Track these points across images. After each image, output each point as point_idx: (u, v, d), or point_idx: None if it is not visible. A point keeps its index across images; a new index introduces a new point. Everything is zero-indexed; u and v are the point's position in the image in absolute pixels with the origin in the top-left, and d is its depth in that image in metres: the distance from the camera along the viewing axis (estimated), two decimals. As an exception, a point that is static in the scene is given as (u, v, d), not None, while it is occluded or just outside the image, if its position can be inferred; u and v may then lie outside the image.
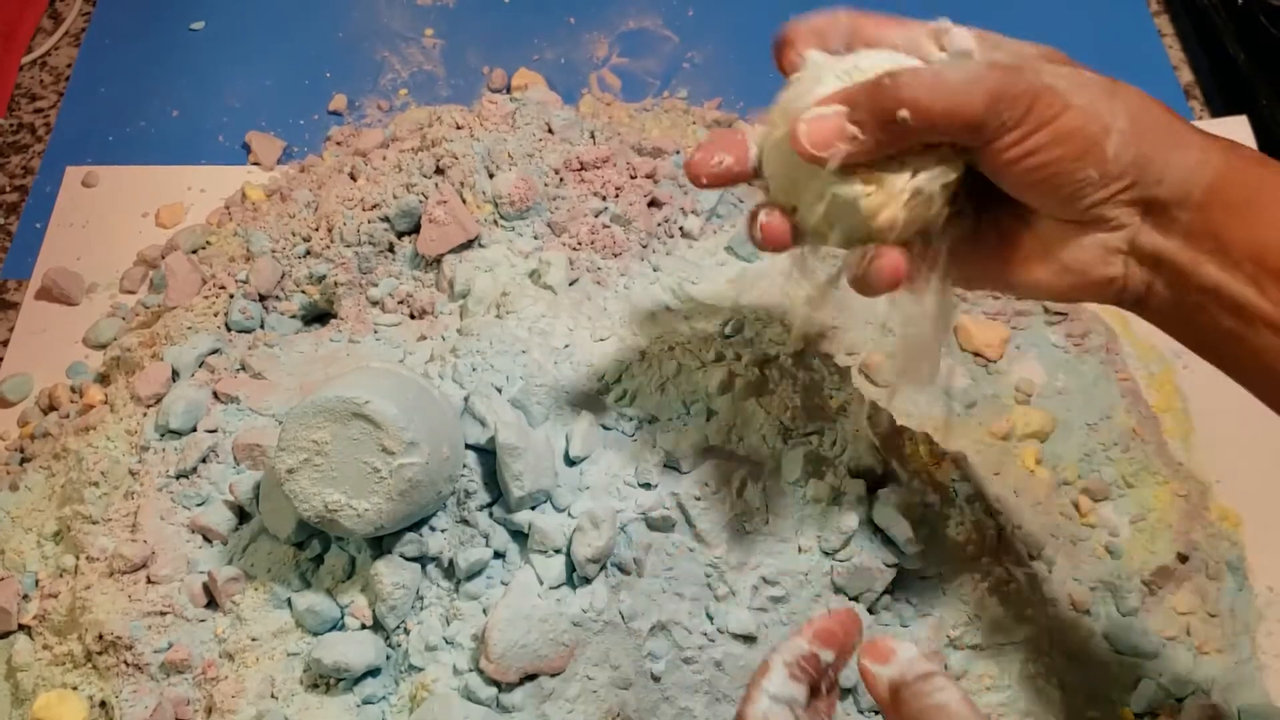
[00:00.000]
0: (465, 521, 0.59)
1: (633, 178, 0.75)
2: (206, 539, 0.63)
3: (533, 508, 0.58)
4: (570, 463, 0.59)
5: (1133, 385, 0.74)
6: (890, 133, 0.43)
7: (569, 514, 0.58)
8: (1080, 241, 0.46)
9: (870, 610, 0.59)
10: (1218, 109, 0.88)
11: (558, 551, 0.57)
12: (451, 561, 0.58)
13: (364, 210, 0.74)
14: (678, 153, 0.79)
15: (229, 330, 0.73)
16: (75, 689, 0.61)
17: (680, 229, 0.74)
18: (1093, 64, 0.46)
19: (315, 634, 0.60)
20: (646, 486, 0.58)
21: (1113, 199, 0.44)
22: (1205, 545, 0.68)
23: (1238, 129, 0.85)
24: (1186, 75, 0.91)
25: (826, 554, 0.59)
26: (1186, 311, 0.46)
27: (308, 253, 0.75)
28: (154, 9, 1.03)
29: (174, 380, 0.69)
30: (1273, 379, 0.45)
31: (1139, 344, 0.76)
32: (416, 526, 0.59)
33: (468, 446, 0.59)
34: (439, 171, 0.73)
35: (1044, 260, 0.46)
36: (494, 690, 0.55)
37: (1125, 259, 0.46)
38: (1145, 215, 0.45)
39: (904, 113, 0.42)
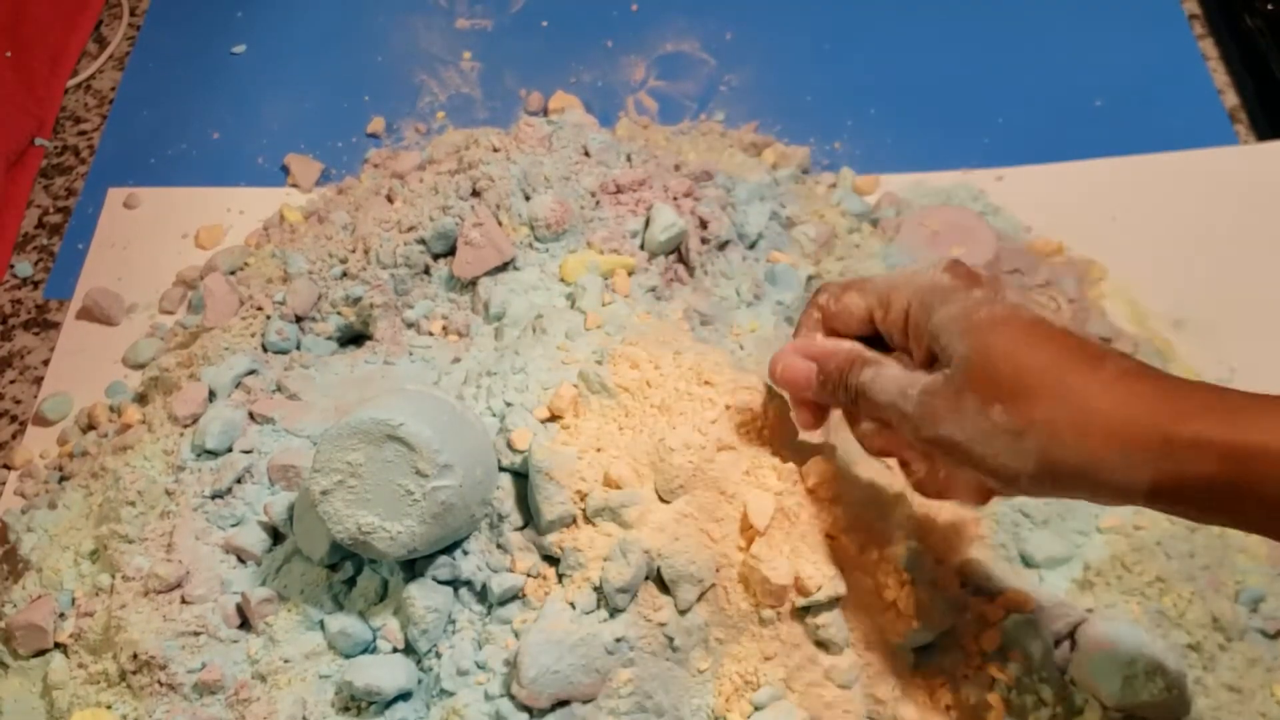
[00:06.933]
0: (498, 545, 0.58)
1: (673, 199, 0.75)
2: (240, 560, 0.63)
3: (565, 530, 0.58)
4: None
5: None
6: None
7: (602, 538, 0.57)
8: None
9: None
10: (1264, 132, 0.87)
11: (588, 579, 0.56)
12: (484, 585, 0.58)
13: (400, 232, 0.74)
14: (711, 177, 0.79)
15: (265, 351, 0.74)
16: (109, 708, 0.61)
17: (720, 250, 0.74)
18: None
19: (347, 656, 0.60)
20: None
21: None
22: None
23: (1284, 153, 0.84)
24: (1232, 99, 0.90)
25: None
26: None
27: (344, 274, 0.75)
28: (196, 33, 1.04)
29: (210, 401, 0.70)
30: None
31: (1186, 369, 0.75)
32: (449, 549, 0.59)
33: (501, 469, 0.59)
34: (475, 194, 0.74)
35: None
36: (525, 716, 0.55)
37: None
38: None
39: None
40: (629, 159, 0.78)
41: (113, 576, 0.64)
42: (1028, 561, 0.64)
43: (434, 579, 0.58)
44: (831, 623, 0.56)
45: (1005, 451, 0.45)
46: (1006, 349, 0.45)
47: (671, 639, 0.56)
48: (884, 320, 0.52)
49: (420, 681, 0.58)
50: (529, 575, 0.58)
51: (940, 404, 0.46)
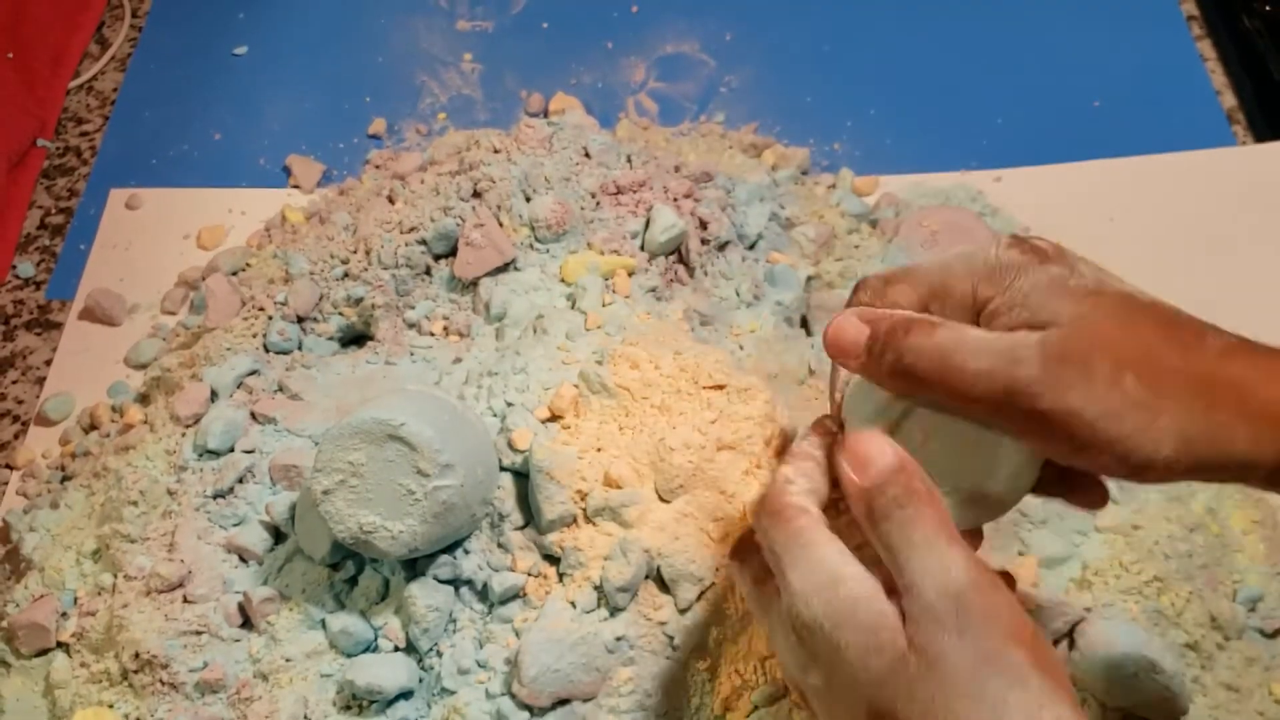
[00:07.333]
0: (499, 544, 0.59)
1: (673, 200, 0.75)
2: (242, 559, 0.63)
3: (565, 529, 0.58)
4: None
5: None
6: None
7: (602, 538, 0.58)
8: None
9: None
10: (1261, 133, 0.87)
11: (589, 578, 0.57)
12: (485, 584, 0.58)
13: (401, 233, 0.74)
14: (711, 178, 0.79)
15: (267, 351, 0.74)
16: (111, 707, 0.62)
17: (720, 251, 0.74)
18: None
19: (348, 655, 0.60)
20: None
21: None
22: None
23: (1282, 154, 0.84)
24: (1229, 100, 0.90)
25: None
26: None
27: (345, 275, 0.75)
28: (198, 34, 1.04)
29: (212, 401, 0.70)
30: None
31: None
32: (450, 549, 0.59)
33: (502, 469, 0.59)
34: (476, 195, 0.74)
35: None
36: (526, 715, 0.55)
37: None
38: None
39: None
40: (629, 160, 0.78)
41: (115, 576, 0.65)
42: (1026, 561, 0.64)
43: (435, 578, 0.58)
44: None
45: (1138, 432, 0.39)
46: (1116, 318, 0.40)
47: (671, 638, 0.56)
48: (942, 312, 0.44)
49: (421, 680, 0.59)
50: (530, 574, 0.58)
51: (1068, 368, 0.39)
